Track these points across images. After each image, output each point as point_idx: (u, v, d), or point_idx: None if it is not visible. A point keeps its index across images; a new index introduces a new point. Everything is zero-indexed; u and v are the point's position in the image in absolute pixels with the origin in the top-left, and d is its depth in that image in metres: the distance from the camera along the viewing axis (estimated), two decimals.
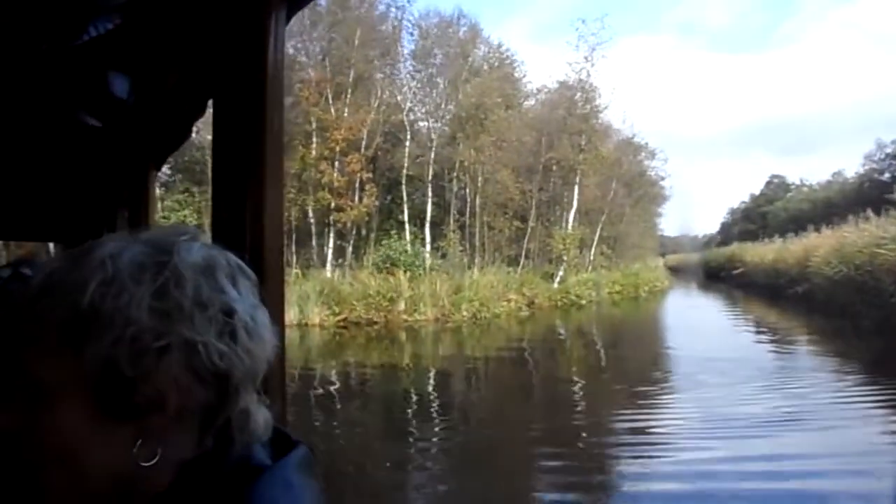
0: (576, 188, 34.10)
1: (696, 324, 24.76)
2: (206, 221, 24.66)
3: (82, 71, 2.06)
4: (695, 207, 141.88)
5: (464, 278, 26.46)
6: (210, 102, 1.94)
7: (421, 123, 32.82)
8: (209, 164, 18.10)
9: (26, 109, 2.43)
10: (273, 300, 1.06)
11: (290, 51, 28.87)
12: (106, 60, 2.04)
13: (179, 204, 29.39)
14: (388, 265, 25.73)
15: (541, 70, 66.81)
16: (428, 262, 26.37)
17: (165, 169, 30.37)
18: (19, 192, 3.78)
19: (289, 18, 1.39)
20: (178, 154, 32.68)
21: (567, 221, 34.28)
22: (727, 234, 79.60)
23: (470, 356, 19.96)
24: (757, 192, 78.42)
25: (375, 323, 23.90)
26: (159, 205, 28.68)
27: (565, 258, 33.07)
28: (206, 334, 0.68)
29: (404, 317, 24.28)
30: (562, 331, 25.50)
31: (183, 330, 0.67)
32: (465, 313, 24.85)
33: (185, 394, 0.68)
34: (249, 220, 1.27)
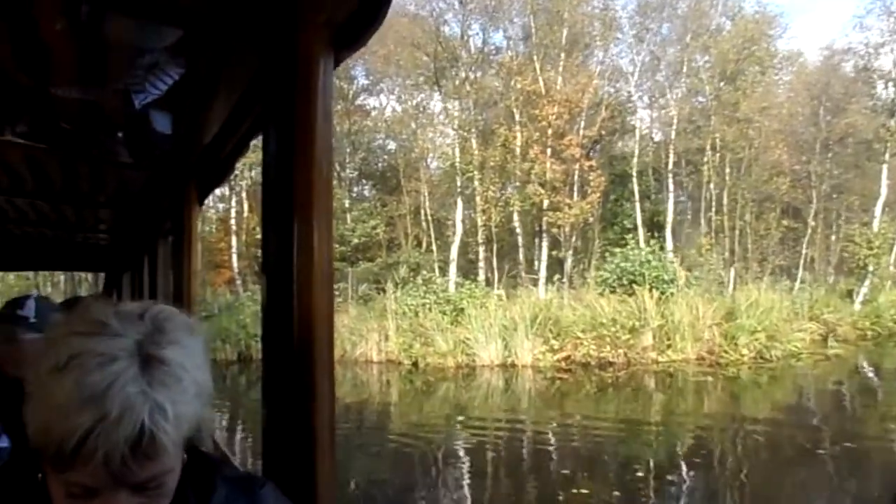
0: (884, 170, 24.03)
1: None
2: (401, 233, 19.43)
3: (129, 109, 2.17)
4: None
5: (735, 299, 18.57)
6: (252, 143, 2.28)
7: (642, 112, 25.46)
8: (402, 172, 26.04)
9: (73, 145, 2.75)
10: (322, 335, 1.32)
11: (480, 34, 23.67)
12: (152, 99, 2.12)
13: (368, 213, 25.39)
14: (624, 282, 18.67)
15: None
16: (682, 278, 18.74)
17: (351, 174, 26.85)
18: (68, 227, 4.83)
19: (337, 64, 1.41)
20: (366, 160, 29.39)
21: (873, 216, 24.32)
22: None
23: (753, 417, 12.40)
24: None
25: (611, 364, 17.08)
26: (348, 217, 25.39)
27: (872, 268, 23.25)
28: None
29: (653, 355, 17.12)
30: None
31: None
32: (743, 350, 16.98)
33: None
34: (297, 254, 1.31)
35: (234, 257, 25.17)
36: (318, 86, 1.33)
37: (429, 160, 25.83)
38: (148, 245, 5.00)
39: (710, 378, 16.08)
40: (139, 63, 1.88)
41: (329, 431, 1.32)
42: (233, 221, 25.77)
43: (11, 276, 28.10)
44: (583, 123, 21.89)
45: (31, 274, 27.50)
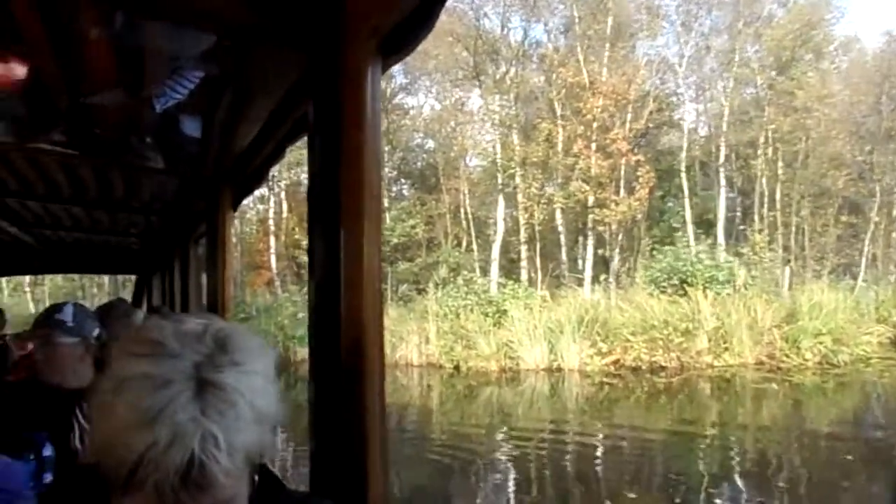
0: None
1: None
2: (440, 232, 19.22)
3: (156, 114, 2.16)
4: None
5: (794, 299, 17.51)
6: (288, 149, 2.34)
7: (690, 104, 24.34)
8: (441, 170, 25.64)
9: (106, 151, 2.79)
10: (372, 349, 1.28)
11: (520, 22, 23.00)
12: (185, 105, 2.13)
13: (407, 213, 24.94)
14: (675, 282, 17.75)
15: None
16: (741, 277, 17.73)
17: (390, 173, 26.45)
18: (101, 231, 4.77)
19: (384, 70, 1.39)
20: (405, 159, 28.97)
21: None
22: None
23: (828, 430, 11.43)
24: None
25: (663, 368, 16.24)
26: (387, 216, 24.99)
27: None
28: None
29: (708, 359, 16.21)
30: None
31: None
32: (807, 354, 15.95)
33: None
34: (345, 260, 1.28)
35: (273, 259, 25.00)
36: (366, 94, 1.31)
37: (468, 158, 25.28)
38: (179, 247, 5.02)
39: (773, 385, 15.06)
40: (174, 69, 1.89)
41: (381, 447, 1.30)
42: (271, 222, 25.63)
43: (59, 278, 28.77)
44: (629, 116, 21.00)
45: (76, 276, 28.00)
